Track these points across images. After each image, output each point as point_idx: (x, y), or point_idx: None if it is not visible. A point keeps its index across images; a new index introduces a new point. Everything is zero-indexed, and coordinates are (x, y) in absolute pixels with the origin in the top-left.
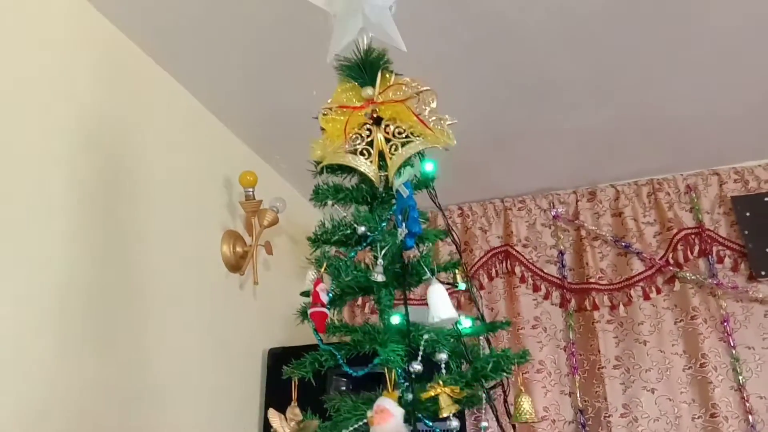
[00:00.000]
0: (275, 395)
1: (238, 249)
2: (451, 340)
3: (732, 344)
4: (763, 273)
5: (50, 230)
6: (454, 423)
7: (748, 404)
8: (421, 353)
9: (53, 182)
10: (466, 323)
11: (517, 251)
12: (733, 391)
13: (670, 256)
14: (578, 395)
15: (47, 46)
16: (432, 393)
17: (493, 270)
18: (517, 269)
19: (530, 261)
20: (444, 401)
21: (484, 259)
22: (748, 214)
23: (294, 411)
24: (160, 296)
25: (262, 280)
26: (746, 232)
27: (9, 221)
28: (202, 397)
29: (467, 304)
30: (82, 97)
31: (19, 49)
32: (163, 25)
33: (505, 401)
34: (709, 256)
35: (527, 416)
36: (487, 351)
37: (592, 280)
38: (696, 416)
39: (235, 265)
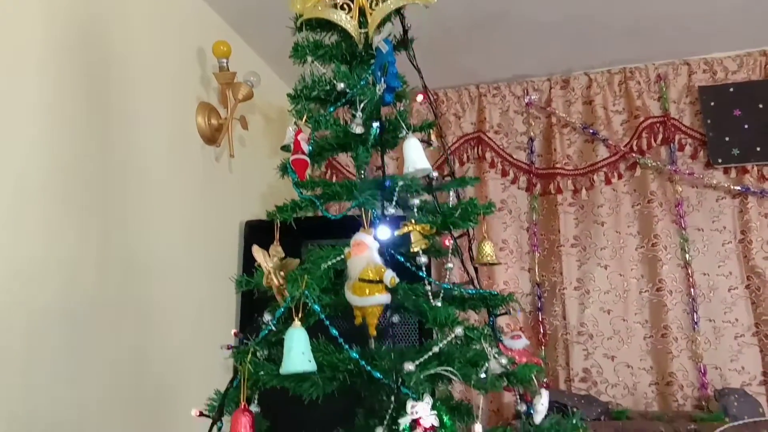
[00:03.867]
0: (252, 264)
1: (213, 121)
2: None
3: (683, 226)
4: (719, 161)
5: (31, 106)
6: (423, 259)
7: (691, 279)
8: (395, 198)
9: (30, 57)
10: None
11: (489, 137)
12: (679, 268)
13: (635, 143)
14: (536, 271)
15: None
16: (405, 230)
17: (465, 155)
18: (488, 155)
19: (501, 147)
20: (415, 237)
21: (456, 145)
22: (712, 103)
23: (276, 248)
24: (140, 166)
25: (238, 156)
26: (709, 121)
27: None
28: (183, 263)
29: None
30: None
31: None
32: None
33: (470, 248)
34: (671, 144)
35: (488, 258)
36: None
37: (558, 166)
38: (643, 290)
39: (211, 137)
